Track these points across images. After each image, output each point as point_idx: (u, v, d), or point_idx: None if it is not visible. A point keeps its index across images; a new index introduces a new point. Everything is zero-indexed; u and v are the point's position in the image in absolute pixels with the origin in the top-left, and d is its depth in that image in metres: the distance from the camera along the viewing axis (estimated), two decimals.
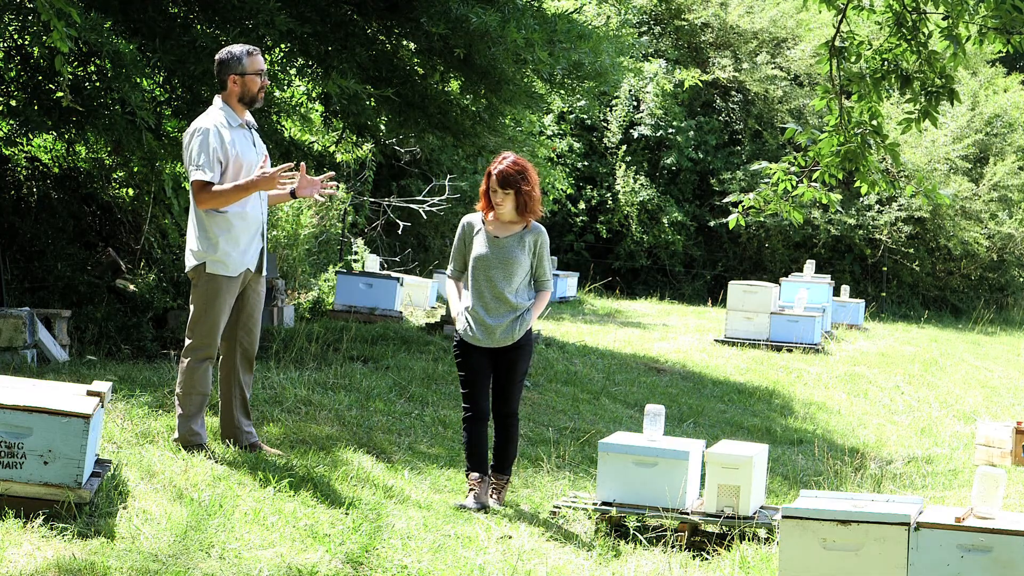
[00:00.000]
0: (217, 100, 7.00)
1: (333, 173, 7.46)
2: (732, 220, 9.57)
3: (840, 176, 9.24)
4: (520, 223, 7.11)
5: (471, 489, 7.25)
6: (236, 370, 7.17)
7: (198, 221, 6.95)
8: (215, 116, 6.94)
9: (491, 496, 7.29)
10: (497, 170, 6.99)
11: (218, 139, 6.84)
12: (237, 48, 6.99)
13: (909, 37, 8.37)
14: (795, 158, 9.36)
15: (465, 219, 7.21)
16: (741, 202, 9.65)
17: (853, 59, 8.77)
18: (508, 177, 6.98)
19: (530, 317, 7.11)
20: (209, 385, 7.04)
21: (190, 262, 6.98)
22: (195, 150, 6.82)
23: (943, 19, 8.28)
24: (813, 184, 9.28)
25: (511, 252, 7.05)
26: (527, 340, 7.17)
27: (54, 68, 10.22)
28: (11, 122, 11.53)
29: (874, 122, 8.95)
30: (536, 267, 7.14)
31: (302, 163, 7.33)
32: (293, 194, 7.17)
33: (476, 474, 7.24)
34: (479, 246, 7.10)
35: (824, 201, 9.18)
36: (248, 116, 7.08)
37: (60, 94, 8.46)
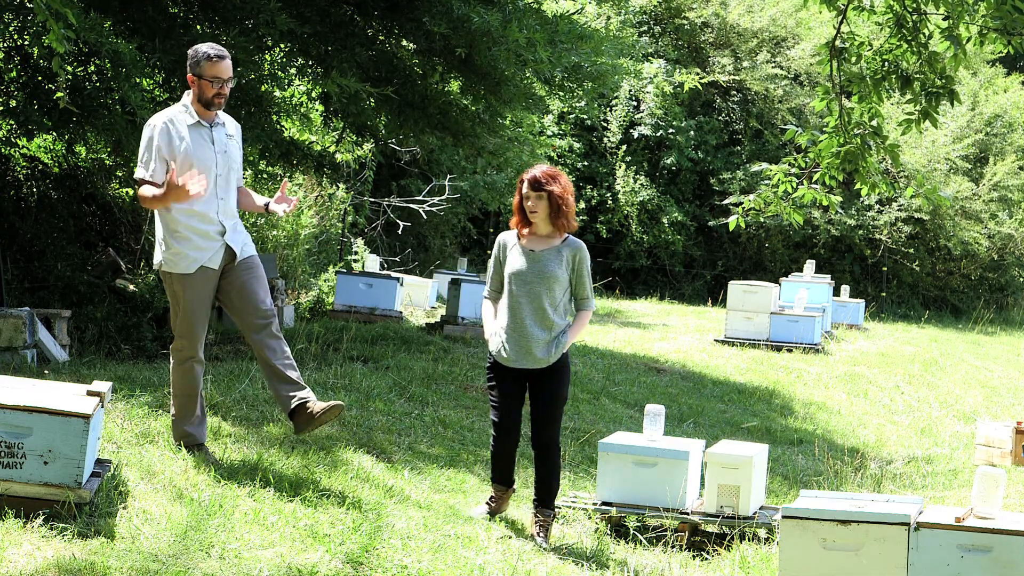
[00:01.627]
0: (186, 95, 6.85)
1: (298, 200, 7.28)
2: (733, 221, 9.56)
3: (840, 178, 9.23)
4: (556, 236, 6.83)
5: (491, 499, 7.09)
6: (261, 352, 6.87)
7: (157, 218, 6.83)
8: (172, 111, 6.79)
9: (537, 535, 6.86)
10: (529, 176, 6.80)
11: (165, 136, 6.67)
12: (204, 48, 6.78)
13: (909, 38, 8.37)
14: (795, 159, 9.36)
15: (499, 237, 6.93)
16: (742, 203, 9.64)
17: (853, 60, 8.76)
18: (539, 181, 6.76)
19: (567, 338, 6.78)
20: (196, 385, 6.88)
21: (156, 258, 6.89)
22: (141, 146, 6.75)
23: (943, 19, 8.28)
24: (813, 186, 9.28)
25: (548, 266, 6.77)
26: (564, 363, 6.83)
27: (54, 68, 10.22)
28: (11, 122, 11.52)
29: (874, 123, 8.94)
30: (576, 284, 6.83)
31: (285, 180, 7.25)
32: (267, 207, 7.05)
33: (499, 485, 7.05)
34: (515, 262, 6.82)
35: (824, 203, 9.17)
36: (218, 115, 6.86)
37: (60, 95, 8.44)
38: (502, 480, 7.05)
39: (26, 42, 10.60)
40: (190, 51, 6.81)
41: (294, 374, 6.89)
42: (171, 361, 6.92)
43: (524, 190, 6.80)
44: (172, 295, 6.86)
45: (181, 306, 6.82)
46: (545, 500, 6.91)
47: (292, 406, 6.84)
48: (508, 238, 6.91)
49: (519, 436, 6.99)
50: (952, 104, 8.86)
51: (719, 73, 25.12)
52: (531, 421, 6.91)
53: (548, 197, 6.76)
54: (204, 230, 6.77)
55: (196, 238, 6.76)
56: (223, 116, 6.95)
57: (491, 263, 6.95)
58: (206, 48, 6.78)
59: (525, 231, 6.87)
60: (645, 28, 26.05)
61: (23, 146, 12.62)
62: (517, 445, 7.01)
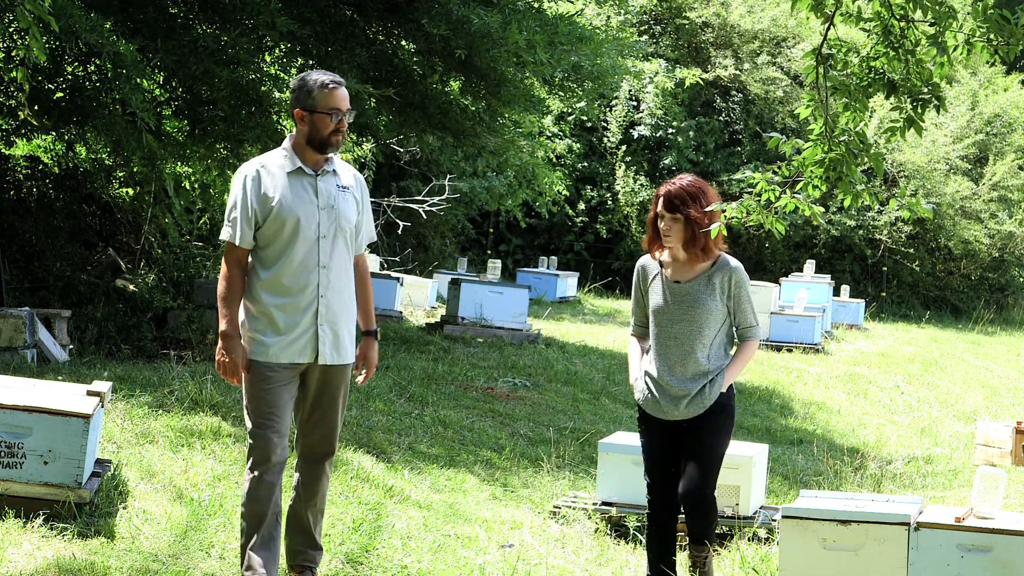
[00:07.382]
0: (287, 138, 5.47)
1: (371, 374, 5.65)
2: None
3: (823, 188, 9.18)
4: (704, 260, 5.70)
5: None
6: (301, 487, 5.52)
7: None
8: (269, 156, 5.43)
9: (693, 572, 5.87)
10: (664, 191, 5.65)
11: (255, 189, 5.27)
12: (314, 76, 5.38)
13: (896, 45, 8.35)
14: (779, 167, 9.30)
15: (639, 262, 5.80)
16: (724, 211, 9.54)
17: (840, 66, 8.73)
18: (674, 199, 5.62)
19: (723, 378, 5.63)
20: (265, 503, 5.32)
21: None
22: (229, 199, 5.41)
23: (930, 26, 8.26)
24: (796, 195, 9.22)
25: (698, 300, 5.65)
26: (722, 405, 5.66)
27: (54, 68, 10.24)
28: (11, 122, 11.54)
29: (858, 129, 8.90)
30: (735, 312, 5.71)
31: (374, 339, 5.59)
32: (364, 335, 5.55)
33: None
34: (657, 296, 5.68)
35: (807, 213, 9.11)
36: (330, 161, 5.41)
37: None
38: (660, 572, 5.80)
39: (27, 42, 10.62)
40: (296, 82, 5.46)
41: (319, 525, 5.58)
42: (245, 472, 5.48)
43: (659, 207, 5.68)
44: (245, 381, 5.34)
45: (249, 395, 5.31)
46: (700, 538, 5.77)
47: (297, 562, 5.52)
48: (649, 264, 5.77)
49: (678, 501, 5.76)
50: (938, 112, 8.85)
51: (720, 70, 25.10)
52: (681, 470, 5.77)
53: (685, 221, 5.66)
54: (293, 309, 5.29)
55: (280, 320, 5.29)
56: (337, 162, 5.47)
57: (633, 293, 5.84)
58: (317, 75, 5.39)
59: (659, 254, 5.75)
60: (645, 28, 26.05)
61: (23, 144, 12.62)
62: (677, 516, 5.81)
